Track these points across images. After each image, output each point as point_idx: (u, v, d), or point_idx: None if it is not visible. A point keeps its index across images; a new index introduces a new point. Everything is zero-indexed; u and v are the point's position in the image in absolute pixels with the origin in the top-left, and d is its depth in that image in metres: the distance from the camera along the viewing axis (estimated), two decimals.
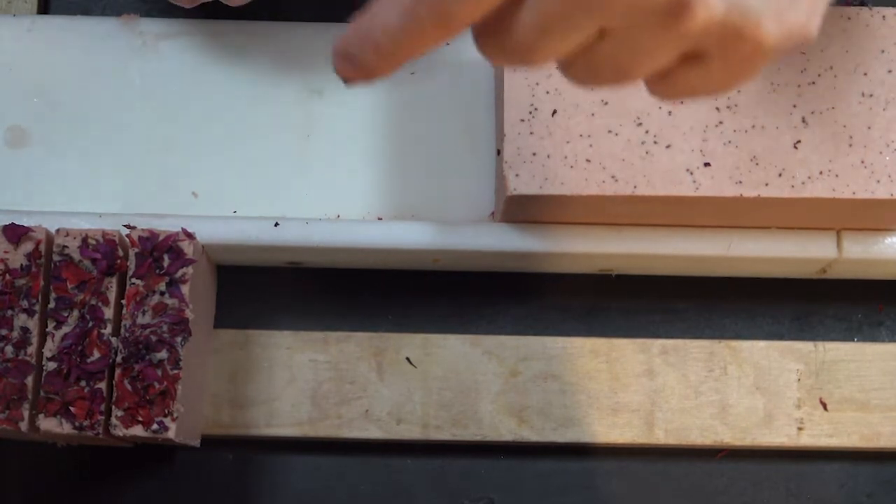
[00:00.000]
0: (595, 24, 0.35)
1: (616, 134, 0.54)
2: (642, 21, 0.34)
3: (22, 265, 0.53)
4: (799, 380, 0.60)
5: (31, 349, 0.52)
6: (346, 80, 0.37)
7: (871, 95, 0.55)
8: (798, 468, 0.61)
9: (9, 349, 0.52)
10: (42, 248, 0.53)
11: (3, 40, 0.62)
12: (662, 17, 0.34)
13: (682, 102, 0.55)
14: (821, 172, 0.54)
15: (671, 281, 0.62)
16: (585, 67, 0.37)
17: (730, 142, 0.54)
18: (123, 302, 0.53)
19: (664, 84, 0.37)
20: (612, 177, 0.54)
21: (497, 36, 0.36)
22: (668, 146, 0.54)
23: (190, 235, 0.54)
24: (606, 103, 0.55)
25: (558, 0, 0.34)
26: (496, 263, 0.60)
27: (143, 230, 0.54)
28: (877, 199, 0.54)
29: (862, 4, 0.58)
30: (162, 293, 0.53)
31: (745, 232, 0.58)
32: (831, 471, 0.61)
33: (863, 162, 0.54)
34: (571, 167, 0.54)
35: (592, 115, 0.55)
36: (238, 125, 0.61)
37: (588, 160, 0.54)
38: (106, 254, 0.53)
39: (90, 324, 0.52)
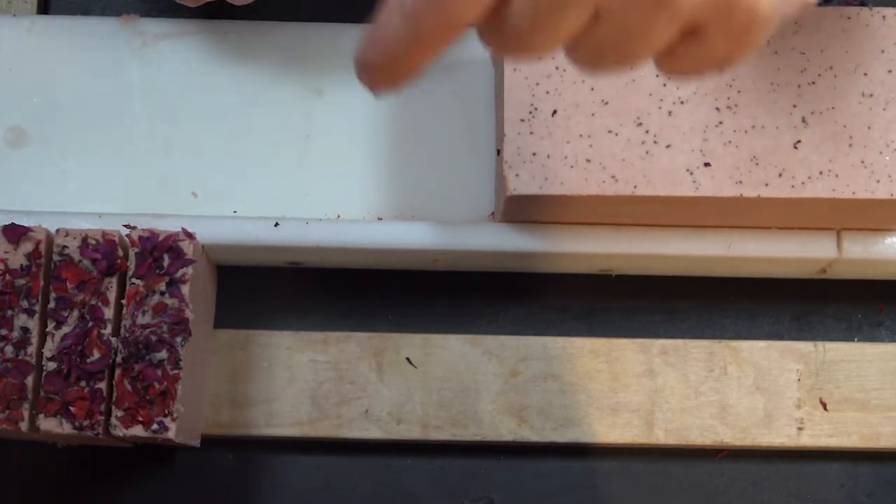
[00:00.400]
0: (586, 4, 0.35)
1: (616, 134, 0.54)
2: None
3: (22, 265, 0.53)
4: (799, 380, 0.60)
5: (31, 349, 0.52)
6: (374, 91, 0.38)
7: (871, 95, 0.55)
8: (798, 468, 0.61)
9: (9, 349, 0.52)
10: (42, 248, 0.53)
11: (3, 40, 0.62)
12: None
13: (687, 104, 0.55)
14: (821, 172, 0.54)
15: (671, 281, 0.62)
16: (589, 52, 0.37)
17: (730, 142, 0.54)
18: (123, 302, 0.53)
19: (671, 62, 0.37)
20: (612, 177, 0.54)
21: (495, 27, 0.36)
22: (668, 146, 0.54)
23: (190, 235, 0.54)
24: (606, 103, 0.55)
25: None
26: (496, 263, 0.60)
27: (143, 230, 0.54)
28: (877, 199, 0.54)
29: (862, 4, 0.58)
30: (162, 293, 0.53)
31: (745, 232, 0.58)
32: (831, 471, 0.61)
33: (863, 162, 0.54)
34: (571, 167, 0.54)
35: (592, 115, 0.55)
36: (238, 125, 0.61)
37: (588, 160, 0.54)
38: (106, 254, 0.53)
39: (90, 324, 0.52)
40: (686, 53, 0.37)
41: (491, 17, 0.36)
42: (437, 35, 0.35)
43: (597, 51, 0.36)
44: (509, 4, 0.35)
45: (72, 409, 0.52)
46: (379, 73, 0.37)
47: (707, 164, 0.54)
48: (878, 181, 0.54)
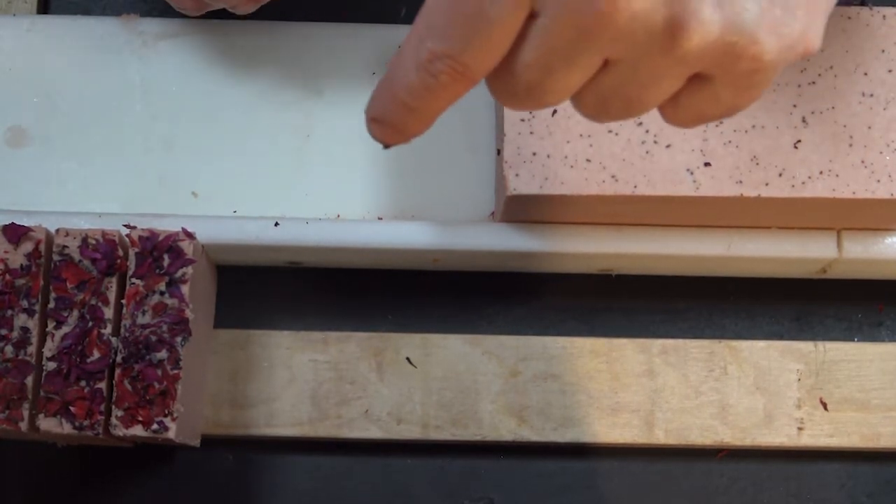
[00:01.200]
0: (594, 54, 0.35)
1: (616, 133, 0.54)
2: (641, 47, 0.35)
3: (22, 265, 0.53)
4: (799, 380, 0.60)
5: (31, 349, 0.52)
6: (385, 144, 0.38)
7: (871, 95, 0.55)
8: (798, 468, 0.61)
9: (9, 349, 0.52)
10: (42, 248, 0.53)
11: (3, 40, 0.62)
12: (659, 40, 0.35)
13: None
14: (821, 172, 0.54)
15: (671, 281, 0.62)
16: (596, 102, 0.37)
17: (730, 141, 0.54)
18: (123, 302, 0.53)
19: (675, 110, 0.38)
20: (613, 176, 0.54)
21: (505, 79, 0.36)
22: (668, 146, 0.54)
23: (190, 235, 0.54)
24: None
25: (555, 34, 0.34)
26: (496, 263, 0.60)
27: (143, 230, 0.54)
28: (877, 199, 0.54)
29: (862, 4, 0.58)
30: (162, 293, 0.53)
31: (745, 232, 0.58)
32: (831, 471, 0.61)
33: (863, 162, 0.54)
34: (571, 167, 0.54)
35: None
36: (238, 125, 0.61)
37: (588, 160, 0.54)
38: (106, 254, 0.53)
39: (90, 324, 0.52)
40: (690, 102, 0.38)
41: (500, 69, 0.36)
42: (450, 86, 0.35)
43: (604, 100, 0.37)
44: (519, 55, 0.35)
45: (72, 408, 0.52)
46: (390, 125, 0.37)
47: (707, 164, 0.54)
48: (879, 181, 0.54)
